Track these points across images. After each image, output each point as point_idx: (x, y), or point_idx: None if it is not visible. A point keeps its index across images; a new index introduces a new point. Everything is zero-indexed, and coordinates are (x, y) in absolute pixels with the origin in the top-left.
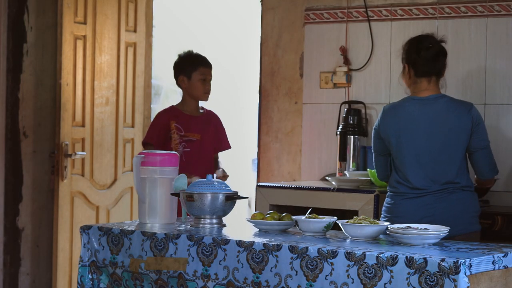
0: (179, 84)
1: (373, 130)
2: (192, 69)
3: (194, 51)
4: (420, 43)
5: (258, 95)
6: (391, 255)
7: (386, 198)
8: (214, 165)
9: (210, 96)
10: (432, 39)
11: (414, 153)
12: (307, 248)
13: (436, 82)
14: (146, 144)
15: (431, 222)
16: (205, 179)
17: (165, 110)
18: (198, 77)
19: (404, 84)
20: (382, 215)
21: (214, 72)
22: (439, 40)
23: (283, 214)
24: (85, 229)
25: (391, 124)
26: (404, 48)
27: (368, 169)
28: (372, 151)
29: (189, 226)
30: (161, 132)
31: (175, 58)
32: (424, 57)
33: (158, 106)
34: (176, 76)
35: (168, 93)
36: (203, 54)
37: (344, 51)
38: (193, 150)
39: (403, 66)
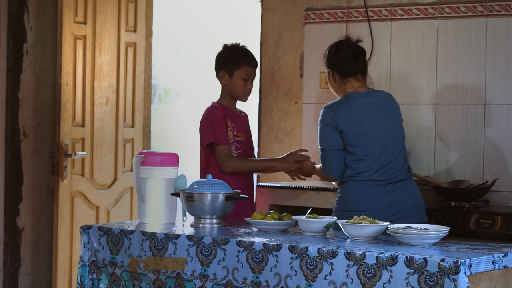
0: (219, 78)
1: (324, 128)
2: (235, 67)
3: (241, 44)
4: (338, 46)
5: (258, 95)
6: (391, 255)
7: (345, 187)
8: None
9: (209, 95)
10: (349, 40)
11: (375, 142)
12: (307, 248)
13: (363, 80)
14: (218, 145)
15: (400, 210)
16: (205, 179)
17: (215, 106)
18: (240, 76)
19: (332, 91)
20: (341, 203)
21: (213, 71)
22: (355, 41)
23: (283, 214)
24: (85, 229)
25: (346, 116)
26: (324, 55)
27: None
28: (325, 148)
29: (189, 226)
30: (226, 130)
31: (175, 58)
32: (345, 58)
33: (156, 106)
34: (217, 69)
35: (161, 95)
36: (249, 50)
37: None
38: (243, 152)
39: (327, 73)
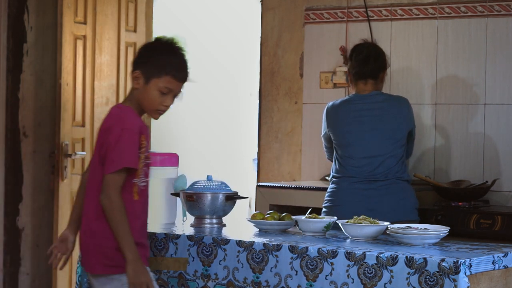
0: (132, 77)
1: (323, 121)
2: (156, 73)
3: (182, 47)
4: (354, 50)
5: (258, 95)
6: (391, 255)
7: (331, 184)
8: None
9: (209, 95)
10: (365, 44)
11: (358, 142)
12: (307, 248)
13: (373, 85)
14: (121, 170)
15: (377, 207)
16: (205, 179)
17: (135, 115)
18: (158, 87)
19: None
20: (324, 199)
21: (213, 71)
22: (371, 44)
23: (283, 214)
24: None
25: (334, 116)
26: None
27: None
28: (324, 141)
29: (189, 226)
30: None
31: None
32: (356, 61)
33: None
34: (134, 66)
35: None
36: (185, 56)
37: (344, 51)
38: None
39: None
